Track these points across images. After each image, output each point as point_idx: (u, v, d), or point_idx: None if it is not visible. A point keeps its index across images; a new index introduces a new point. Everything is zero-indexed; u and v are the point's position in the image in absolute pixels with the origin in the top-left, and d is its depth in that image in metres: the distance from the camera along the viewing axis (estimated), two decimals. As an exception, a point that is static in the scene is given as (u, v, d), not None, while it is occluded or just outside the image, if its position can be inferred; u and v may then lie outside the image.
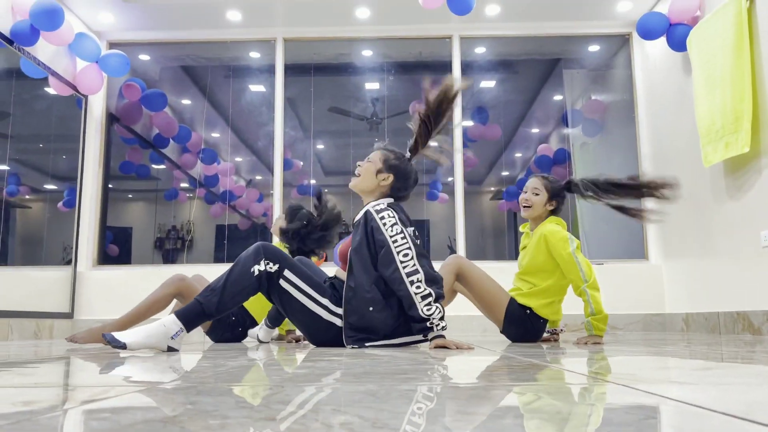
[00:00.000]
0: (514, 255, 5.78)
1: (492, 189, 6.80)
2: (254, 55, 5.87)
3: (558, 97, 6.25)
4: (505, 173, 6.70)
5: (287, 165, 5.78)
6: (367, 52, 5.93)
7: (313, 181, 6.11)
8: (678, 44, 4.44)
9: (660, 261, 5.17)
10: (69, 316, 4.96)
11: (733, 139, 3.75)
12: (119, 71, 5.02)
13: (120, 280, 5.17)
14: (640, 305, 5.06)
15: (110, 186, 5.73)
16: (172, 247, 6.29)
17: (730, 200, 4.03)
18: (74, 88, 5.01)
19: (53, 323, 4.74)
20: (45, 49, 4.65)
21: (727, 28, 3.80)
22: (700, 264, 4.48)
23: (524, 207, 2.98)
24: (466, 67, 5.77)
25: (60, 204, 5.16)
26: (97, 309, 5.09)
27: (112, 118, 5.70)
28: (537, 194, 2.96)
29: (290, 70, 5.79)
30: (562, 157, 5.93)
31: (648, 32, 4.52)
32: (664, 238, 5.11)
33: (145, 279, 5.18)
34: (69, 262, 5.10)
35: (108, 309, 5.08)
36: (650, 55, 5.30)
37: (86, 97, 5.23)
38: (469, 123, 5.90)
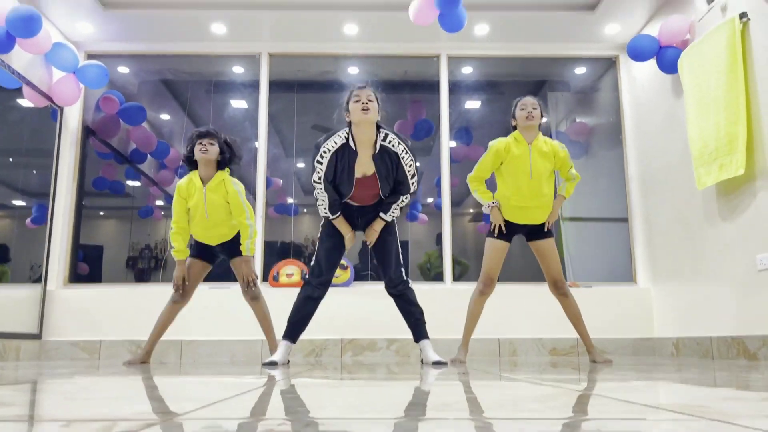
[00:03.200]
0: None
1: (471, 211, 6.72)
2: (237, 69, 5.74)
3: (542, 120, 6.23)
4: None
5: (267, 183, 5.63)
6: (353, 69, 5.85)
7: (291, 200, 5.95)
8: (668, 66, 4.43)
9: (649, 284, 5.12)
10: (37, 336, 4.70)
11: (728, 161, 3.72)
12: (98, 83, 4.84)
13: (91, 300, 4.94)
14: (629, 329, 4.98)
15: (84, 203, 5.51)
16: (145, 266, 6.06)
17: (724, 222, 3.99)
18: (50, 99, 4.82)
19: (20, 344, 4.48)
20: (20, 58, 4.47)
21: (721, 50, 3.79)
22: (691, 287, 4.43)
23: (531, 118, 3.39)
24: (453, 87, 5.72)
25: (28, 221, 4.93)
26: (67, 329, 4.83)
27: (88, 132, 5.50)
28: (536, 108, 3.43)
29: (273, 86, 5.67)
30: (547, 179, 5.88)
31: (638, 54, 4.52)
32: (653, 261, 5.06)
33: (117, 298, 4.96)
34: (36, 281, 4.85)
35: (78, 330, 4.84)
36: (637, 78, 5.30)
37: (62, 108, 5.04)
38: (453, 144, 5.83)
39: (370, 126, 3.06)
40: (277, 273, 5.09)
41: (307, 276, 3.26)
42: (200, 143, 3.45)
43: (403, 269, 3.32)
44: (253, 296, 3.63)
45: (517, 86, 6.27)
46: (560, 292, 3.49)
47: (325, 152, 3.07)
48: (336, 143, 3.08)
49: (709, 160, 3.89)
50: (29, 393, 1.47)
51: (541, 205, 3.43)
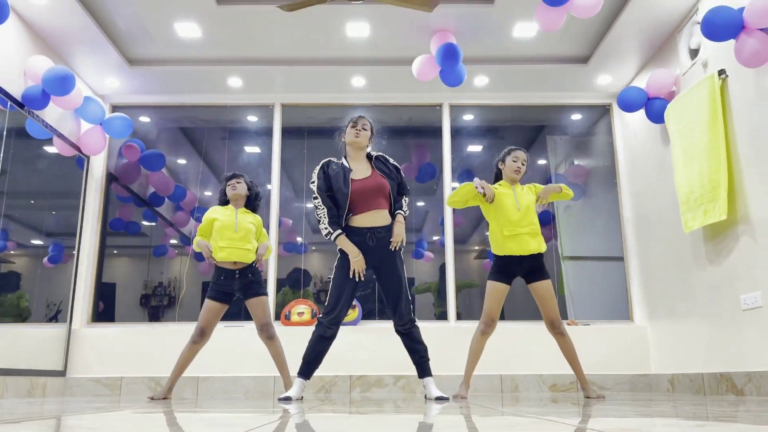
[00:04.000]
0: (503, 314, 5.90)
1: (476, 248, 6.97)
2: (252, 118, 6.09)
3: (542, 162, 6.51)
4: (489, 233, 6.89)
5: (279, 224, 5.92)
6: (360, 118, 6.18)
7: (300, 239, 6.22)
8: (656, 116, 4.73)
9: (645, 322, 5.33)
10: (62, 374, 4.95)
11: (711, 206, 3.97)
12: (122, 133, 5.18)
13: (112, 338, 5.19)
14: (627, 366, 5.17)
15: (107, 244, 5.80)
16: (158, 303, 6.30)
17: (711, 265, 4.22)
18: (78, 149, 5.16)
19: (46, 381, 4.73)
20: (52, 112, 4.82)
21: (702, 103, 4.08)
22: (684, 326, 4.65)
23: (518, 172, 3.82)
24: (455, 133, 6.04)
25: (45, 260, 5.17)
26: (89, 367, 5.08)
27: (111, 178, 5.83)
28: (524, 164, 3.84)
29: (285, 133, 6.01)
30: (546, 220, 6.14)
31: (627, 105, 4.81)
32: (648, 300, 5.28)
33: (137, 337, 5.21)
34: (51, 320, 5.10)
35: (100, 367, 5.09)
36: (630, 125, 5.60)
37: (88, 157, 5.38)
38: (456, 185, 6.11)
39: (361, 150, 3.54)
40: (289, 312, 5.34)
41: (320, 316, 3.44)
42: (230, 184, 4.02)
43: (411, 306, 3.50)
44: (268, 335, 3.88)
45: (518, 131, 6.58)
46: (557, 331, 3.71)
47: (315, 171, 3.50)
48: (325, 160, 3.55)
49: (695, 205, 4.15)
50: (87, 423, 1.71)
51: (531, 232, 3.71)
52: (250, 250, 3.92)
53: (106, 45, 4.90)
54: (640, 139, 5.40)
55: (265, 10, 4.62)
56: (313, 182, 3.48)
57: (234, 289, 3.89)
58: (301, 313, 5.28)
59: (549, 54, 5.36)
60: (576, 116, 6.13)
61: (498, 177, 3.94)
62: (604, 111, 6.00)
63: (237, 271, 3.87)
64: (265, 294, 3.97)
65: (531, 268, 3.75)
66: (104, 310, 5.71)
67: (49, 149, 5.02)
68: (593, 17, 4.70)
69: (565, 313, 5.66)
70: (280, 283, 5.74)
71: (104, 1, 4.51)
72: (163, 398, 3.78)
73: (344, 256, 3.42)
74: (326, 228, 3.40)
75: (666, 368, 4.93)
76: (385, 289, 3.46)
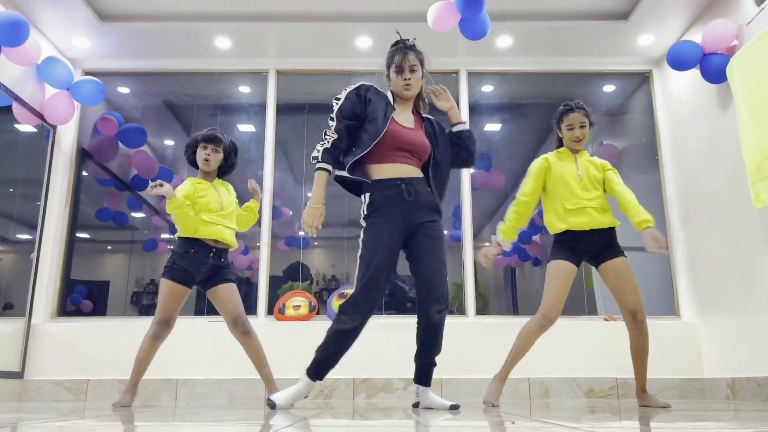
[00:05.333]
0: (513, 310, 5.23)
1: (487, 244, 6.26)
2: (244, 89, 5.42)
3: (593, 127, 5.81)
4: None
5: (275, 213, 5.23)
6: (366, 89, 5.50)
7: (302, 233, 5.53)
8: (714, 75, 4.03)
9: (694, 318, 4.61)
10: (19, 375, 4.26)
11: (793, 173, 3.27)
12: (93, 100, 4.52)
13: (80, 335, 4.50)
14: (675, 369, 4.46)
15: (80, 233, 5.13)
16: (149, 302, 5.66)
17: (787, 245, 3.52)
18: (41, 117, 4.48)
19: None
20: (9, 72, 4.15)
21: (779, 50, 3.39)
22: (748, 320, 3.93)
23: (578, 141, 3.16)
24: (472, 108, 5.35)
25: (32, 255, 4.55)
26: (51, 368, 4.39)
27: (83, 154, 5.16)
28: (584, 126, 3.18)
29: (282, 108, 5.34)
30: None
31: (680, 62, 4.12)
32: (699, 292, 4.56)
33: (110, 333, 4.53)
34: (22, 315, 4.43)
35: (64, 368, 4.39)
36: (675, 93, 4.90)
37: (54, 128, 4.70)
38: (471, 170, 5.43)
39: (409, 99, 2.78)
40: (283, 305, 4.65)
41: (341, 303, 2.62)
42: (205, 148, 3.29)
43: None
44: (244, 331, 3.21)
45: (540, 108, 5.88)
46: (639, 326, 2.97)
47: (346, 89, 2.72)
48: (366, 83, 2.75)
49: (770, 173, 3.45)
50: None
51: (598, 206, 3.05)
52: (234, 231, 3.35)
53: (72, -5, 4.24)
54: (687, 107, 4.70)
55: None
56: (338, 99, 2.69)
57: (202, 270, 3.20)
58: (297, 306, 4.58)
59: (584, 9, 4.67)
60: (608, 87, 5.43)
61: (561, 143, 3.30)
62: (643, 80, 5.29)
63: (214, 249, 3.21)
64: (235, 281, 3.32)
65: (603, 244, 3.05)
66: (95, 309, 5.05)
67: (22, 128, 4.35)
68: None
69: (594, 308, 4.98)
70: (273, 280, 5.04)
71: (67, -62, 3.85)
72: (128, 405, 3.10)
73: (372, 213, 2.58)
74: (316, 154, 2.60)
75: (723, 371, 4.21)
76: (421, 263, 2.62)
